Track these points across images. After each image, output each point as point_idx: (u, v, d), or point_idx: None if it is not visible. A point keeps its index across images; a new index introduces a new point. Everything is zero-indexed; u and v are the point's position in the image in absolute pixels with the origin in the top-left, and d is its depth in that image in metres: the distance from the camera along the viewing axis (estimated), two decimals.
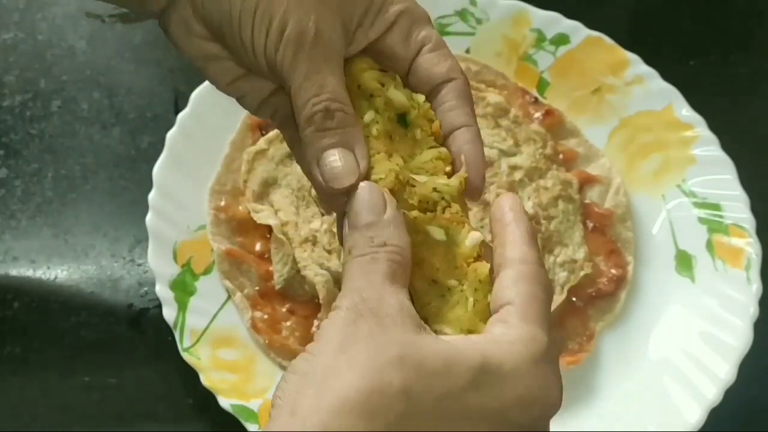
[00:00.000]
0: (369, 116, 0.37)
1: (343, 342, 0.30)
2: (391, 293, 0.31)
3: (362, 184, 0.34)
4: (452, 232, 0.35)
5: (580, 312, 0.55)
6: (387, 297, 0.31)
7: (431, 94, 0.38)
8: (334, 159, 0.35)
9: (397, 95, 0.37)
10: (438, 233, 0.35)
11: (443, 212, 0.36)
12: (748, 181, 0.57)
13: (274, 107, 0.40)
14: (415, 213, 0.35)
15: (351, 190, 0.34)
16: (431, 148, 0.37)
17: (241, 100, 0.40)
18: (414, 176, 0.36)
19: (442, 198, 0.36)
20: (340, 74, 0.36)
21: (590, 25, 0.64)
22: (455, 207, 0.36)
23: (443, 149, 0.37)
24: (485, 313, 0.33)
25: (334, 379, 0.29)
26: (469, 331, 0.33)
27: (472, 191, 0.37)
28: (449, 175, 0.37)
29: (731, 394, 0.50)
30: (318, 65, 0.35)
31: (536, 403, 0.31)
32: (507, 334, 0.31)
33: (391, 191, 0.34)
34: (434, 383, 0.29)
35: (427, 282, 0.34)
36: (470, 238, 0.35)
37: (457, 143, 0.37)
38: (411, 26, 0.38)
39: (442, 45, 0.39)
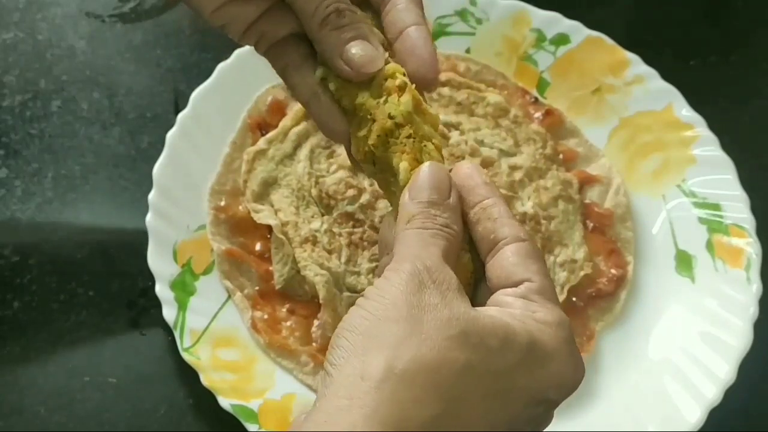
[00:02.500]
0: None
1: (411, 310, 0.31)
2: (448, 270, 0.33)
3: (431, 163, 0.36)
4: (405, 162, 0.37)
5: (580, 312, 0.55)
6: (447, 271, 0.32)
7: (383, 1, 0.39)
8: (358, 49, 0.37)
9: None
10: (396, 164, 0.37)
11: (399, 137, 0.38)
12: (748, 180, 0.58)
13: (260, 33, 0.40)
14: (373, 142, 0.38)
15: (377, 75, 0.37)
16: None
17: (225, 27, 0.40)
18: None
19: (396, 124, 0.37)
20: None
21: (590, 25, 0.64)
22: (414, 129, 0.37)
23: (397, 66, 0.38)
24: None
25: (406, 348, 0.30)
26: None
27: (424, 82, 0.38)
28: (401, 91, 0.38)
29: (731, 394, 0.50)
30: None
31: (569, 383, 0.33)
32: (539, 312, 0.33)
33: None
34: (492, 361, 0.31)
35: None
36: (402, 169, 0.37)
37: (409, 40, 0.38)
38: None
39: None
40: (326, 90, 0.39)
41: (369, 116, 0.38)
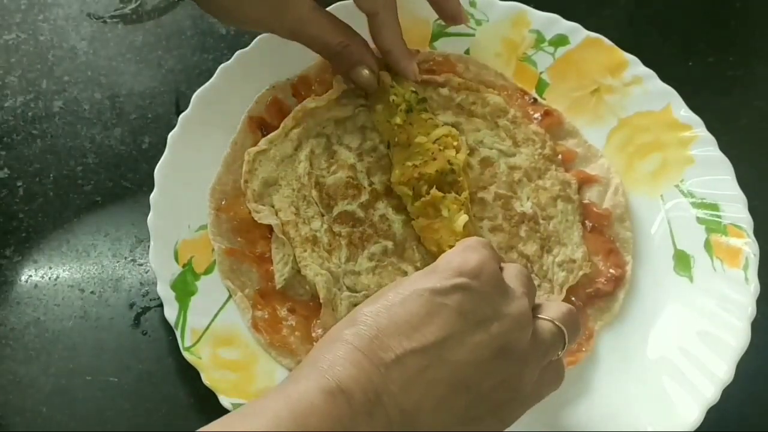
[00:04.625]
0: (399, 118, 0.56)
1: None
2: None
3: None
4: (452, 211, 0.53)
5: (579, 311, 0.55)
6: None
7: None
8: (362, 72, 0.55)
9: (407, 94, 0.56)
10: (444, 211, 0.53)
11: (452, 186, 0.54)
12: (746, 181, 0.58)
13: None
14: (433, 191, 0.53)
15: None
16: (440, 126, 0.57)
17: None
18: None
19: (452, 170, 0.55)
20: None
21: (589, 27, 0.64)
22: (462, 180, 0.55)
23: (452, 129, 0.57)
24: None
25: None
26: None
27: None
28: (457, 149, 0.56)
29: (729, 394, 0.50)
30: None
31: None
32: None
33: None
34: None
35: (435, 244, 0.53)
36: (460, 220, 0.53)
37: (391, 59, 0.57)
38: None
39: None
40: None
41: (425, 154, 0.55)
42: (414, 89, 0.57)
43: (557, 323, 0.43)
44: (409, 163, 0.55)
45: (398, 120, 0.55)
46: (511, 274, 0.44)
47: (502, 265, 0.45)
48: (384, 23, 0.54)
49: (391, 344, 0.38)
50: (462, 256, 0.42)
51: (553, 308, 0.44)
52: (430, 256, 0.54)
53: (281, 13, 0.50)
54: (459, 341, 0.39)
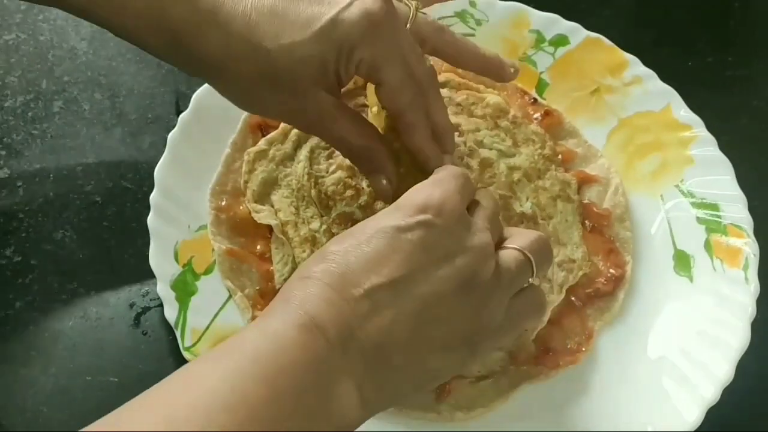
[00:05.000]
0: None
1: None
2: None
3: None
4: None
5: (579, 311, 0.55)
6: None
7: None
8: (381, 182, 0.50)
9: None
10: None
11: None
12: (746, 181, 0.58)
13: None
14: None
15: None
16: None
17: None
18: None
19: None
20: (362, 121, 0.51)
21: (589, 27, 0.64)
22: None
23: None
24: None
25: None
26: None
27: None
28: None
29: (729, 394, 0.50)
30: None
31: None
32: None
33: None
34: None
35: None
36: None
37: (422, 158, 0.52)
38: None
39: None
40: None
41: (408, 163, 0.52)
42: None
43: (523, 251, 0.44)
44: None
45: (383, 125, 0.55)
46: (477, 209, 0.45)
47: (476, 197, 0.46)
48: (410, 125, 0.49)
49: (360, 280, 0.39)
50: (426, 192, 0.43)
51: (520, 237, 0.45)
52: None
53: (299, 107, 0.48)
54: (424, 275, 0.40)
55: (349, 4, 0.45)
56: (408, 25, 0.50)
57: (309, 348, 0.37)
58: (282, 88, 0.46)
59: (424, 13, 0.53)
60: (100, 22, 0.47)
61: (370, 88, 0.54)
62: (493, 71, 0.56)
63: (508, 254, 0.44)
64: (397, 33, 0.47)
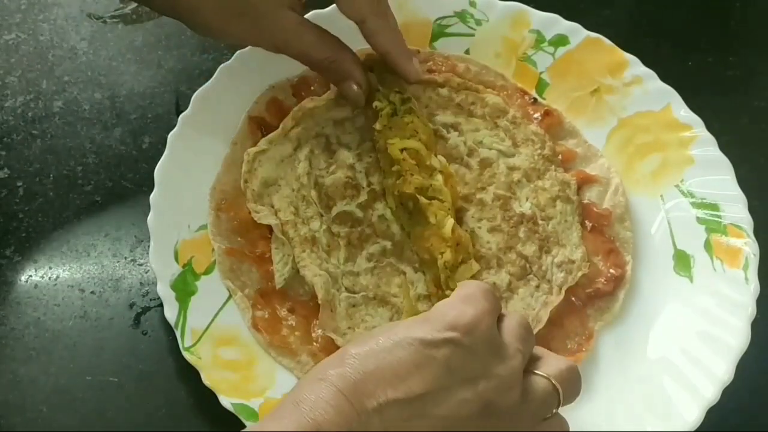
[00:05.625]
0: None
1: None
2: None
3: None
4: (439, 217, 0.53)
5: (579, 312, 0.55)
6: None
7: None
8: (351, 88, 0.54)
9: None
10: (432, 218, 0.53)
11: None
12: (746, 181, 0.58)
13: None
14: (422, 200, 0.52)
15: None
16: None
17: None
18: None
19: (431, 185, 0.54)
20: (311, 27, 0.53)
21: (589, 27, 0.64)
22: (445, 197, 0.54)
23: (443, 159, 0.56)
24: None
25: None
26: None
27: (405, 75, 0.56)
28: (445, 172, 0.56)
29: (729, 394, 0.50)
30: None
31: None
32: None
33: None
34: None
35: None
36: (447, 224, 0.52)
37: (390, 61, 0.55)
38: None
39: None
40: None
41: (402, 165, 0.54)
42: (398, 89, 0.57)
43: (553, 381, 0.42)
44: (390, 180, 0.55)
45: (377, 126, 0.55)
46: (510, 326, 0.43)
47: (503, 312, 0.44)
48: (374, 29, 0.53)
49: (375, 391, 0.37)
50: (458, 309, 0.41)
51: (552, 364, 0.43)
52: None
53: (264, 29, 0.50)
54: (443, 396, 0.38)
55: None
56: None
57: None
58: (247, 11, 0.48)
59: None
60: None
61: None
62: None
63: (537, 382, 0.42)
64: None
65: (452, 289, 0.51)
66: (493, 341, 0.41)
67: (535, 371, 0.43)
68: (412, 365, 0.38)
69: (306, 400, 0.37)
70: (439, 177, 0.54)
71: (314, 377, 0.39)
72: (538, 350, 0.45)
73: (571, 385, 0.43)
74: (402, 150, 0.54)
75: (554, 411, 0.43)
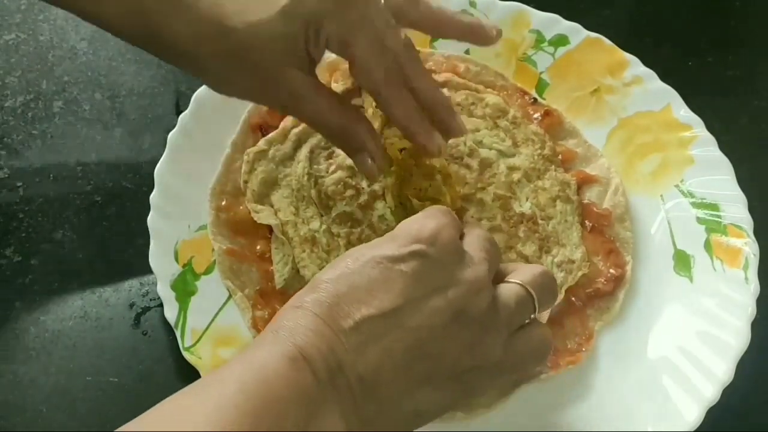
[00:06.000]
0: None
1: None
2: None
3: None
4: None
5: (579, 311, 0.55)
6: None
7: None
8: (365, 161, 0.49)
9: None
10: None
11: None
12: (746, 181, 0.58)
13: None
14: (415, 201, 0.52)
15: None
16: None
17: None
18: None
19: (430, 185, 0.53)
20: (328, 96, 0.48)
21: (589, 27, 0.64)
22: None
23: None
24: None
25: None
26: None
27: (425, 151, 0.50)
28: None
29: (729, 394, 0.50)
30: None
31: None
32: None
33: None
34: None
35: None
36: None
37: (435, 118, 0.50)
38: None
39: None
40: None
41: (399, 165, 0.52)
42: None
43: (525, 285, 0.43)
44: (389, 180, 0.54)
45: (376, 126, 0.54)
46: (472, 239, 0.44)
47: (465, 230, 0.45)
48: (389, 101, 0.47)
49: (350, 311, 0.38)
50: (419, 223, 0.42)
51: (523, 271, 0.44)
52: None
53: (273, 88, 0.46)
54: (415, 307, 0.39)
55: None
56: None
57: (295, 381, 0.36)
58: (251, 68, 0.45)
59: None
60: (76, 10, 0.46)
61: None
62: (475, 35, 0.52)
63: (508, 288, 0.43)
64: (367, 5, 0.45)
65: None
66: (457, 249, 0.42)
67: (507, 279, 0.43)
68: (382, 281, 0.39)
69: (285, 327, 0.38)
70: (438, 177, 0.54)
71: (290, 306, 0.40)
72: (510, 266, 0.46)
73: (545, 290, 0.44)
74: (401, 150, 0.54)
75: (532, 316, 0.43)
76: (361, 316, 0.38)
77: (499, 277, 0.44)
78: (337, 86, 0.54)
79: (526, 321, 0.43)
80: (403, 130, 0.49)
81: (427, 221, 0.42)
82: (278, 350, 0.37)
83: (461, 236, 0.44)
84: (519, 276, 0.44)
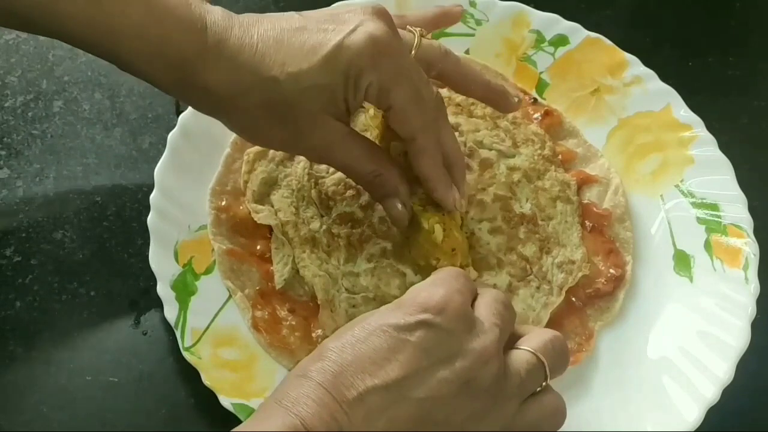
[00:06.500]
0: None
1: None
2: None
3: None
4: (431, 223, 0.51)
5: (579, 312, 0.55)
6: None
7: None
8: (395, 206, 0.50)
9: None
10: (424, 223, 0.51)
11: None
12: (746, 181, 0.58)
13: None
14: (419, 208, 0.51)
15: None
16: None
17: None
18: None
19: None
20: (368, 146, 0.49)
21: (589, 27, 0.64)
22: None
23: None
24: None
25: None
26: None
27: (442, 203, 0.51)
28: None
29: (729, 394, 0.50)
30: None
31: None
32: None
33: None
34: None
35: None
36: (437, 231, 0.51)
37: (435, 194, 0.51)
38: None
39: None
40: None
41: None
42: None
43: (536, 353, 0.42)
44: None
45: (378, 127, 0.55)
46: (484, 303, 0.43)
47: (479, 290, 0.44)
48: (422, 149, 0.48)
49: (355, 381, 0.38)
50: (428, 291, 0.42)
51: (534, 337, 0.43)
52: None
53: (308, 137, 0.47)
54: (421, 378, 0.38)
55: (353, 30, 0.44)
56: (413, 51, 0.49)
57: None
58: (291, 117, 0.45)
59: (428, 38, 0.52)
60: (103, 54, 0.46)
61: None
62: (497, 100, 0.55)
63: (519, 356, 0.42)
64: (403, 56, 0.46)
65: None
66: (466, 318, 0.41)
67: (517, 345, 0.43)
68: (388, 351, 0.39)
69: (288, 397, 0.38)
70: None
71: (295, 375, 0.39)
72: (523, 328, 0.45)
73: (557, 357, 0.43)
74: (404, 154, 0.54)
75: (543, 384, 0.43)
76: (365, 387, 0.38)
77: (512, 340, 0.43)
78: None
79: (538, 389, 0.43)
80: (426, 181, 0.50)
81: (436, 289, 0.42)
82: (280, 422, 0.36)
83: (474, 298, 0.44)
84: (530, 342, 0.43)
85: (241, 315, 0.53)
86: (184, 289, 0.53)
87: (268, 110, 0.45)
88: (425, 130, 0.48)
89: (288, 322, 0.53)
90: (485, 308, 0.43)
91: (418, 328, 0.39)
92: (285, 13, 0.47)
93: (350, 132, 0.48)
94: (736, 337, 0.52)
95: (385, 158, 0.50)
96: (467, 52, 0.64)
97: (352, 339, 0.39)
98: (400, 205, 0.49)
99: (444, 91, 0.60)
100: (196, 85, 0.45)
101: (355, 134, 0.48)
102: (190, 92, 0.46)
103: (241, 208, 0.56)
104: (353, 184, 0.56)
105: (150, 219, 0.54)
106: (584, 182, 0.59)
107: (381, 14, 0.46)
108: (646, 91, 0.62)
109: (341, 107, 0.46)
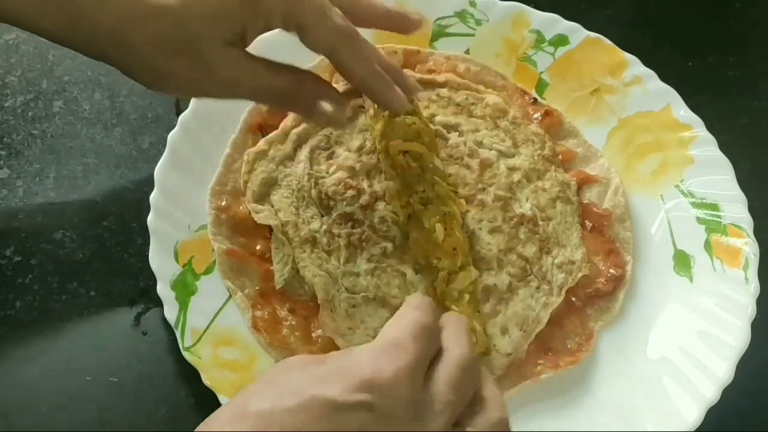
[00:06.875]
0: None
1: None
2: None
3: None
4: (432, 222, 0.52)
5: (579, 312, 0.55)
6: None
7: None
8: (326, 108, 0.47)
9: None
10: (426, 222, 0.53)
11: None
12: (746, 181, 0.58)
13: None
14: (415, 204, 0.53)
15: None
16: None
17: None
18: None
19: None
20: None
21: (589, 27, 0.64)
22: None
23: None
24: None
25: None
26: None
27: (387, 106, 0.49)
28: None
29: (729, 394, 0.50)
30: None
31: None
32: None
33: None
34: None
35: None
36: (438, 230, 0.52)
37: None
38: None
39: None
40: None
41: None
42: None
43: None
44: (393, 185, 0.55)
45: (379, 126, 0.55)
46: (444, 371, 0.38)
47: (444, 332, 0.40)
48: (347, 57, 0.45)
49: None
50: (377, 364, 0.36)
51: (482, 420, 0.38)
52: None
53: (214, 72, 0.43)
54: None
55: None
56: None
57: None
58: (191, 49, 0.42)
59: None
60: None
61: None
62: (399, 25, 0.50)
63: None
64: None
65: (446, 306, 0.52)
66: (414, 402, 0.36)
67: (465, 429, 0.37)
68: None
69: None
70: (444, 185, 0.54)
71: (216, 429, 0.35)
72: (487, 390, 0.39)
73: None
74: (404, 153, 0.54)
75: None
76: None
77: (464, 413, 0.38)
78: (339, 86, 0.54)
79: None
80: (365, 86, 0.47)
81: (386, 362, 0.36)
82: None
83: (437, 355, 0.38)
84: (478, 426, 0.37)
85: (241, 315, 0.53)
86: (184, 289, 0.53)
87: (165, 44, 0.42)
88: (342, 36, 0.44)
89: (288, 322, 0.53)
90: (443, 379, 0.37)
91: (357, 410, 0.34)
92: None
93: (249, 54, 0.45)
94: (736, 337, 0.52)
95: (293, 68, 0.47)
96: (467, 51, 0.64)
97: (280, 405, 0.34)
98: (328, 105, 0.46)
99: (444, 91, 0.61)
100: (87, 27, 0.42)
101: (256, 57, 0.45)
102: (81, 36, 0.42)
103: (241, 208, 0.56)
104: (353, 184, 0.56)
105: (150, 219, 0.54)
106: (584, 182, 0.59)
107: None
108: (646, 91, 0.62)
109: (238, 33, 0.43)
